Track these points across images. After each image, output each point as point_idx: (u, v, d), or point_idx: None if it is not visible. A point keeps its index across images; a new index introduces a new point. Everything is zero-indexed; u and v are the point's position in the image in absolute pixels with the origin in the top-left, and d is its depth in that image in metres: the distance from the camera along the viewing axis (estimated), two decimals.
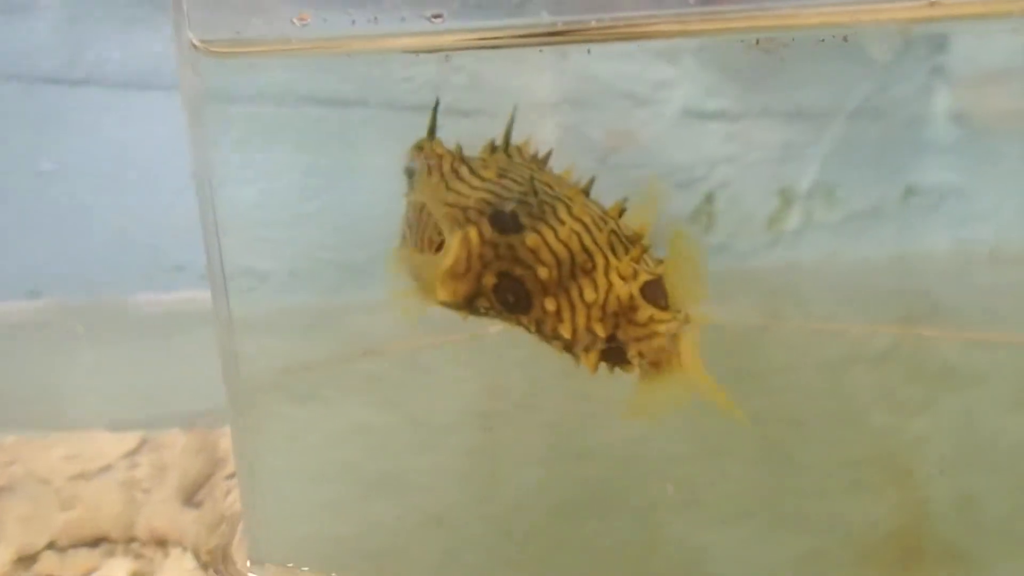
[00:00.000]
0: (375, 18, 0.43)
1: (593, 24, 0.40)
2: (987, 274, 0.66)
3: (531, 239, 0.41)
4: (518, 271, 0.42)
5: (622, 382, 0.43)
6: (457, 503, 0.53)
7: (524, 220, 0.42)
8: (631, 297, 0.40)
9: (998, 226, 0.68)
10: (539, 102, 0.64)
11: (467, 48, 0.46)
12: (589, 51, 0.43)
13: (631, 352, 0.40)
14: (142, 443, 0.73)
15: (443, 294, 0.43)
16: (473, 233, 0.42)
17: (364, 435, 0.57)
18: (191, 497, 0.66)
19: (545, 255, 0.41)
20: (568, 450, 0.54)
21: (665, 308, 0.40)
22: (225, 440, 0.72)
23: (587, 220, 0.42)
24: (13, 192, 0.91)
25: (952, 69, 0.71)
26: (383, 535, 0.52)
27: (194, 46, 0.47)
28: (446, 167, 0.45)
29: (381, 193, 0.63)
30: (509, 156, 0.46)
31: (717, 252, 0.50)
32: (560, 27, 0.40)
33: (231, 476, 0.67)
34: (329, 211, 0.60)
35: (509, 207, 0.42)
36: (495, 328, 0.45)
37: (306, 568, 0.51)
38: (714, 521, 0.50)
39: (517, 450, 0.54)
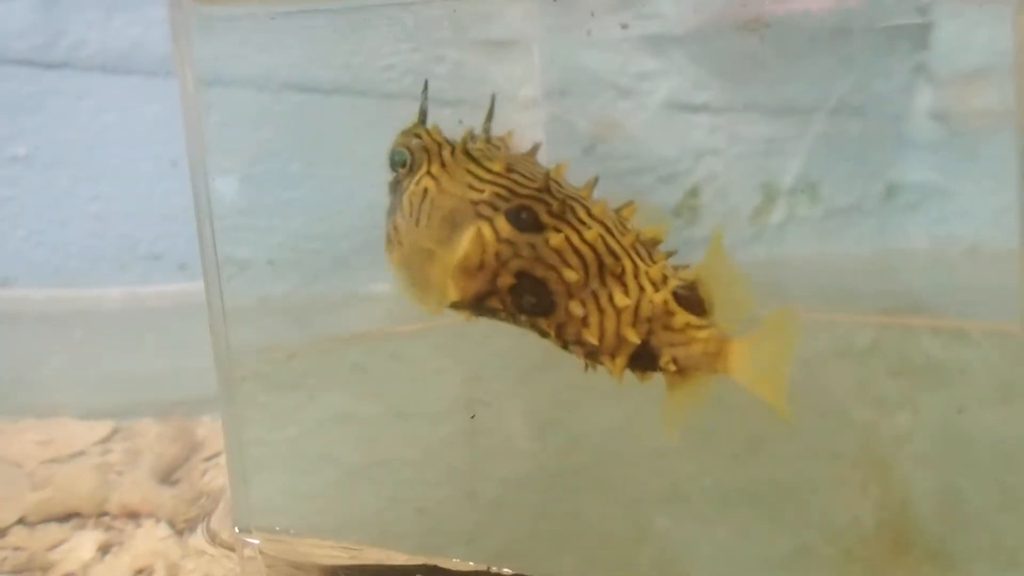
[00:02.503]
0: None
1: None
2: (966, 272, 0.67)
3: (555, 239, 0.40)
4: (540, 272, 0.41)
5: (605, 372, 0.42)
6: (440, 493, 0.52)
7: (544, 219, 0.41)
8: (666, 303, 0.40)
9: (977, 224, 0.69)
10: (523, 92, 0.64)
11: None
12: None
13: (664, 359, 0.40)
14: (114, 432, 0.73)
15: (454, 292, 0.42)
16: (487, 229, 0.41)
17: (346, 426, 0.57)
18: (167, 477, 0.67)
19: (571, 257, 0.40)
20: (551, 441, 0.54)
21: (702, 315, 0.40)
22: (202, 428, 0.72)
23: (608, 223, 0.41)
24: None
25: (934, 67, 0.72)
26: (364, 525, 0.52)
27: None
28: (447, 156, 0.43)
29: (363, 182, 0.62)
30: (495, 146, 0.44)
31: (701, 245, 0.50)
32: None
33: (209, 458, 0.68)
34: (309, 200, 0.60)
35: (527, 204, 0.41)
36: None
37: (292, 532, 0.51)
38: (698, 516, 0.50)
39: (500, 441, 0.53)
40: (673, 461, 0.51)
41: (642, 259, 0.40)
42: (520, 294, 0.41)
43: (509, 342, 0.45)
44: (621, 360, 0.41)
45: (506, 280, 0.41)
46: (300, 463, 0.56)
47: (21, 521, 0.61)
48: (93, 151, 0.88)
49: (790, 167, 0.71)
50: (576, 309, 0.40)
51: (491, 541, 0.50)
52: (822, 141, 0.70)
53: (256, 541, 0.51)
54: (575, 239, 0.40)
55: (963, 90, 0.73)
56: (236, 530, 0.53)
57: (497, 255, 0.41)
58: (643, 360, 0.40)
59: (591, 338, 0.40)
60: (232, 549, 0.55)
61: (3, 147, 0.88)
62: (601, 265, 0.40)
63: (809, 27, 0.59)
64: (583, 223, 0.41)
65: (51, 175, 0.89)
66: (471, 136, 0.45)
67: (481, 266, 0.41)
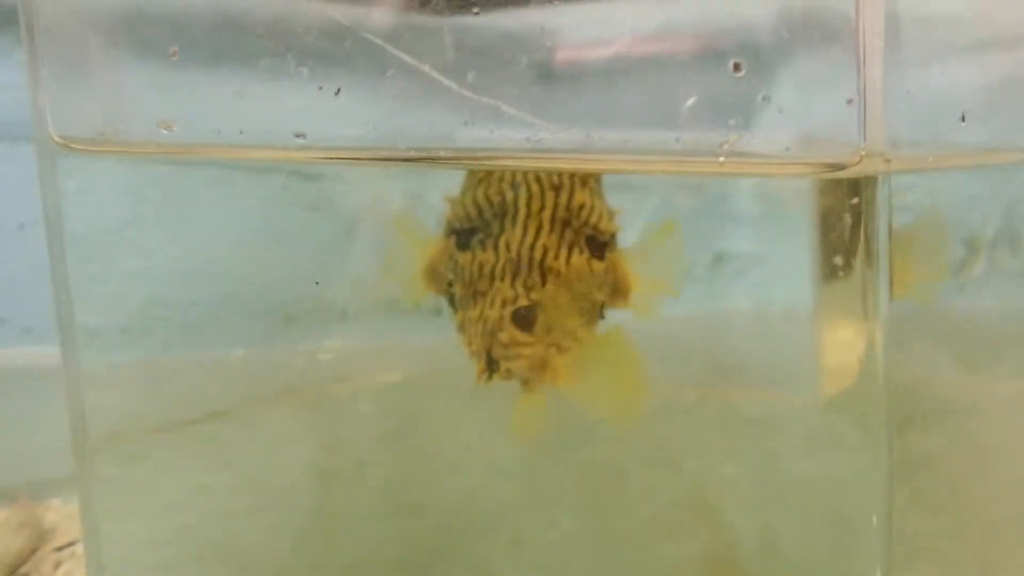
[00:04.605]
0: (241, 131, 0.44)
1: (441, 153, 0.43)
2: (781, 332, 0.73)
3: (461, 258, 0.46)
4: (454, 284, 0.47)
5: (460, 439, 0.45)
6: (294, 563, 0.53)
7: (474, 241, 0.47)
8: (500, 319, 0.45)
9: (790, 289, 0.75)
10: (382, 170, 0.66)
11: (325, 162, 0.49)
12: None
13: (501, 369, 0.45)
14: None
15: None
16: (440, 243, 0.48)
17: (201, 497, 0.56)
18: (13, 572, 0.63)
19: (466, 274, 0.46)
20: (404, 505, 0.56)
21: (530, 332, 0.45)
22: (51, 513, 0.68)
23: (515, 248, 0.46)
24: None
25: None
26: None
27: (56, 143, 0.47)
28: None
29: (219, 250, 0.62)
30: None
31: None
32: (412, 154, 0.43)
33: (61, 548, 0.64)
34: (164, 268, 0.60)
35: (469, 225, 0.47)
36: (341, 387, 0.47)
37: None
38: (544, 571, 0.52)
39: (354, 507, 0.55)
40: (520, 518, 0.54)
41: (512, 281, 0.45)
42: (450, 300, 0.48)
43: (363, 411, 0.47)
44: (479, 365, 0.46)
45: (444, 287, 0.48)
46: (154, 537, 0.54)
47: None
48: None
49: (627, 238, 0.76)
50: (459, 317, 0.46)
51: None
52: (656, 215, 0.75)
53: None
54: (469, 260, 0.46)
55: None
56: None
57: (442, 264, 0.48)
58: (492, 369, 0.46)
59: (463, 344, 0.46)
60: None
61: None
62: (476, 285, 0.46)
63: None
64: (484, 249, 0.46)
65: None
66: None
67: (434, 272, 0.49)
